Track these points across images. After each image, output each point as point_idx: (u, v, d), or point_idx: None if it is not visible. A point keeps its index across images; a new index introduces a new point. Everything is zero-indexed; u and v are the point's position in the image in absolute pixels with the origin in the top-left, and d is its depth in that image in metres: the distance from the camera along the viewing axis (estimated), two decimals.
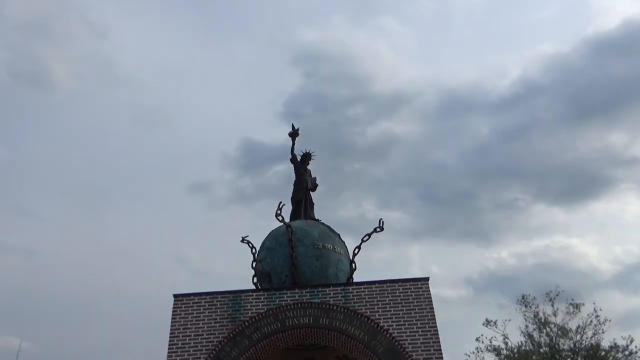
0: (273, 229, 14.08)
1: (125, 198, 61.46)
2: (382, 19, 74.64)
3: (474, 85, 68.44)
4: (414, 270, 69.91)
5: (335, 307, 11.59)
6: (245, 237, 14.29)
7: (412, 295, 11.77)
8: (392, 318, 11.48)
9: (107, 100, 66.48)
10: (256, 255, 13.91)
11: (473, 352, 28.65)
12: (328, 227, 14.08)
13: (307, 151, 15.59)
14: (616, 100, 56.27)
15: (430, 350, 11.08)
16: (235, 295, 11.90)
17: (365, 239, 13.78)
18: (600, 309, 28.09)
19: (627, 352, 27.08)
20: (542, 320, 28.50)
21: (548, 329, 28.30)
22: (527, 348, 28.20)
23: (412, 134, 67.13)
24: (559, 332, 28.06)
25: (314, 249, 12.98)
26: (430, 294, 11.83)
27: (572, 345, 27.65)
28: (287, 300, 11.75)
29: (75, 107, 66.19)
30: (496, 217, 60.87)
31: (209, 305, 11.79)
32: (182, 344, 11.34)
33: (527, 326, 28.72)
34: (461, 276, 62.48)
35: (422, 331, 11.30)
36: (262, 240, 14.00)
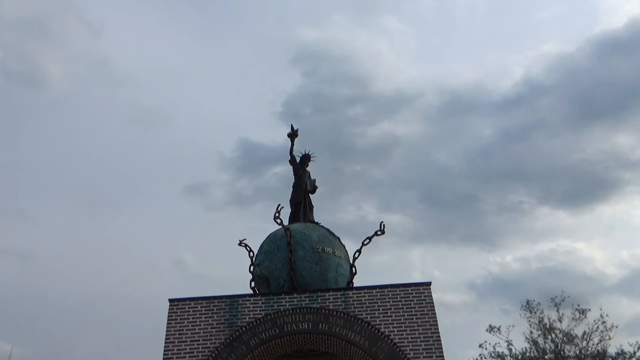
0: (271, 232, 14.08)
1: (121, 199, 61.52)
2: (382, 18, 74.76)
3: (476, 85, 68.49)
4: (415, 275, 69.97)
5: (335, 313, 11.59)
6: (243, 240, 14.31)
7: (413, 300, 11.76)
8: (393, 324, 11.47)
9: (103, 100, 66.56)
10: (254, 259, 13.90)
11: (476, 359, 28.67)
12: (328, 230, 14.07)
13: (307, 152, 15.59)
14: (623, 101, 56.31)
15: (432, 357, 11.07)
16: (233, 300, 11.89)
17: (365, 242, 13.79)
18: (606, 315, 28.12)
19: (634, 359, 27.05)
20: (547, 326, 28.47)
21: (553, 335, 28.28)
22: (532, 355, 28.16)
23: (413, 135, 67.17)
24: (564, 338, 28.03)
25: (313, 252, 12.98)
26: (432, 299, 11.82)
27: (578, 352, 27.61)
28: (286, 305, 11.74)
29: (71, 107, 66.29)
30: (500, 220, 60.86)
31: (205, 310, 11.78)
32: (177, 349, 11.33)
33: (531, 332, 28.70)
34: (464, 281, 62.44)
35: (423, 337, 11.30)
36: (260, 243, 14.00)
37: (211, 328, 11.57)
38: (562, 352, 27.77)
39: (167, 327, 11.61)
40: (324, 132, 58.85)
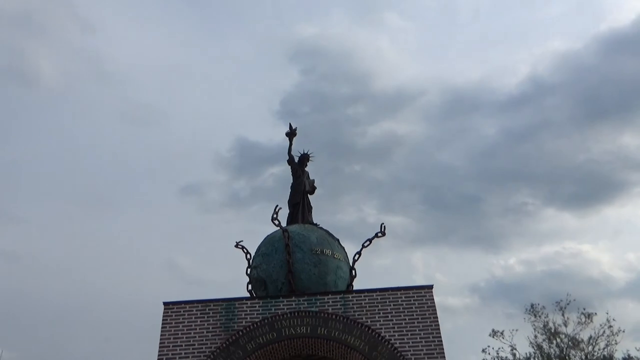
0: (269, 233, 14.09)
1: (114, 200, 61.47)
2: (383, 14, 74.74)
3: (480, 83, 68.50)
4: (417, 278, 69.94)
5: (334, 316, 11.59)
6: (240, 242, 14.31)
7: (415, 304, 11.78)
8: (394, 328, 11.48)
9: (95, 98, 66.51)
10: (251, 261, 13.91)
11: None
12: (327, 231, 14.09)
13: (305, 152, 15.60)
14: (630, 100, 56.37)
15: None
16: (229, 303, 11.89)
17: (366, 244, 13.81)
18: (613, 319, 28.18)
19: None
20: (552, 330, 28.52)
21: (558, 340, 28.32)
22: None
23: (415, 134, 67.17)
24: (569, 343, 28.07)
25: (312, 254, 12.98)
26: (434, 302, 11.84)
27: (583, 357, 27.67)
28: (284, 309, 11.74)
29: (62, 104, 66.23)
30: (504, 222, 60.87)
31: (201, 314, 11.78)
32: (172, 354, 11.32)
33: (536, 337, 28.77)
34: (467, 284, 62.50)
35: (425, 342, 11.30)
36: (258, 245, 14.02)
37: (207, 332, 11.56)
38: (567, 357, 27.80)
39: (162, 331, 11.61)
40: (323, 132, 58.90)
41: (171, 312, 11.82)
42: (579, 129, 60.30)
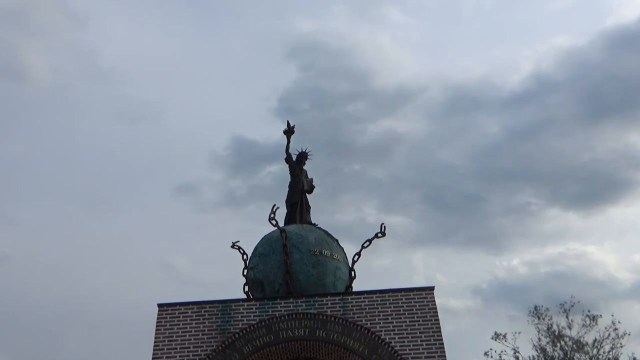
0: (266, 234, 14.09)
1: (107, 199, 61.33)
2: (384, 10, 74.59)
3: (483, 80, 68.39)
4: (417, 279, 69.67)
5: (333, 319, 11.59)
6: (236, 242, 14.33)
7: (415, 305, 11.79)
8: (394, 330, 11.49)
9: (87, 95, 66.34)
10: (247, 262, 13.92)
11: None
12: (325, 232, 14.10)
13: (303, 150, 15.59)
14: (635, 97, 56.31)
15: None
16: (225, 305, 11.90)
17: (365, 245, 13.82)
18: (618, 321, 28.16)
19: None
20: (556, 333, 28.55)
21: (562, 343, 28.36)
22: None
23: (416, 132, 67.11)
24: (574, 346, 28.10)
25: (310, 255, 12.99)
26: (435, 304, 11.86)
27: None
28: (281, 311, 11.75)
29: (53, 101, 66.05)
30: (506, 222, 60.86)
31: (196, 316, 11.78)
32: (167, 357, 11.33)
33: (539, 339, 28.78)
34: (468, 285, 62.46)
35: (426, 345, 11.32)
36: (254, 245, 14.01)
37: (202, 335, 11.57)
38: None
39: (156, 334, 11.62)
40: (322, 129, 58.78)
41: (166, 314, 11.83)
42: (583, 127, 60.34)
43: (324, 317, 11.62)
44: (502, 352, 28.74)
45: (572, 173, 56.53)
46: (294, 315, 11.66)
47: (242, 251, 14.17)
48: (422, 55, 75.65)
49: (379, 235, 13.90)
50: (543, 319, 28.99)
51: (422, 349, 11.28)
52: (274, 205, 14.26)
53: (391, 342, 11.34)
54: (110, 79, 63.99)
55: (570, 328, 28.55)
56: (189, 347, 11.43)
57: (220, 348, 11.34)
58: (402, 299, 11.85)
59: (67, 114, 63.40)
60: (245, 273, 13.85)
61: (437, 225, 61.20)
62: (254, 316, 11.72)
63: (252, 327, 11.55)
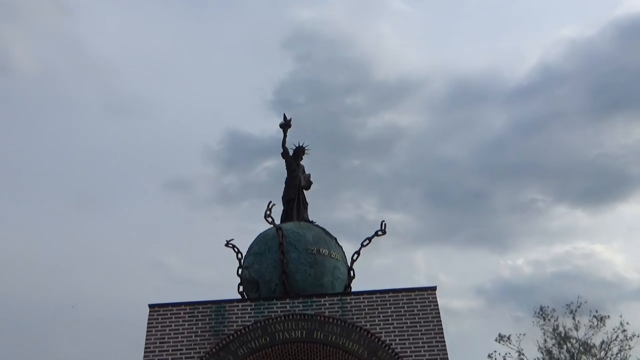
0: (261, 231, 14.09)
1: (95, 195, 61.27)
2: None
3: (487, 72, 68.52)
4: (419, 279, 69.88)
5: (331, 320, 11.60)
6: (230, 240, 14.34)
7: (417, 306, 11.80)
8: (394, 332, 11.50)
9: (74, 87, 66.22)
10: (242, 261, 13.92)
11: None
12: (323, 230, 14.10)
13: (301, 145, 15.58)
14: None
15: None
16: (219, 305, 11.89)
17: (365, 243, 13.84)
18: (627, 323, 28.32)
19: None
20: (562, 334, 28.66)
21: (569, 345, 28.46)
22: None
23: (418, 126, 67.19)
24: (581, 348, 28.21)
25: (307, 254, 12.99)
26: (437, 305, 11.88)
27: None
28: (277, 312, 11.75)
29: (39, 93, 65.90)
30: (511, 220, 61.00)
31: (189, 317, 11.78)
32: (158, 359, 11.33)
33: (545, 341, 28.92)
34: (472, 285, 62.77)
35: (428, 346, 11.34)
36: (249, 244, 14.02)
37: (195, 336, 11.57)
38: None
39: (147, 335, 11.61)
40: (320, 123, 58.78)
41: (157, 314, 11.82)
42: (591, 120, 60.42)
43: (322, 318, 11.62)
44: (506, 354, 28.91)
45: (580, 169, 56.68)
46: (290, 316, 11.66)
47: (236, 250, 14.17)
48: (424, 46, 75.69)
49: (379, 233, 13.91)
50: (549, 320, 29.13)
51: (424, 351, 11.30)
52: (270, 202, 14.25)
53: (392, 344, 11.35)
54: (99, 71, 63.91)
55: (577, 329, 28.71)
56: (182, 350, 11.43)
57: (214, 350, 11.34)
58: (403, 300, 11.87)
59: (53, 107, 63.24)
60: (239, 272, 13.85)
61: (440, 223, 61.34)
62: (249, 317, 11.72)
63: (247, 329, 11.55)
